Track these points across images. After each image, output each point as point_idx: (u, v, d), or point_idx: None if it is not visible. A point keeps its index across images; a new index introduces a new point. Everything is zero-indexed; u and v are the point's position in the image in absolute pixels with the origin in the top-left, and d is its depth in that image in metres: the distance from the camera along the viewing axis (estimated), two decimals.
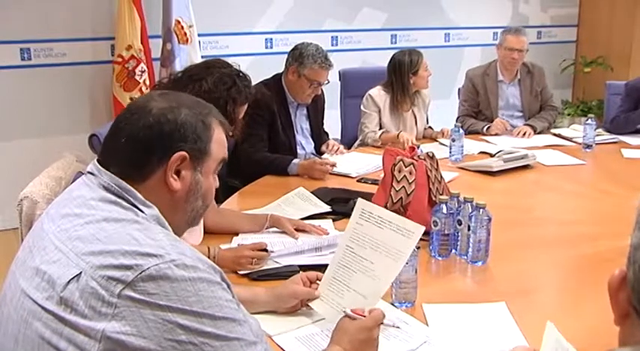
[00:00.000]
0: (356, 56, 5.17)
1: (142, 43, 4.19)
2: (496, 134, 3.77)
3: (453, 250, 1.98)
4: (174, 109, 1.13)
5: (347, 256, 1.50)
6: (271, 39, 4.92)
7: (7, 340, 1.03)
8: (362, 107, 3.63)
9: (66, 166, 1.95)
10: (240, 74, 2.06)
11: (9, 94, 4.18)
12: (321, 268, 1.65)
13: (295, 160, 2.96)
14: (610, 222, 2.34)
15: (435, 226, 1.95)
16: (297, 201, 2.47)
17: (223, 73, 2.02)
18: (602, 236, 2.15)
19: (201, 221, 2.07)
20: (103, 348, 0.93)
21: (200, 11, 4.40)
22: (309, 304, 1.55)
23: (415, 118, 3.69)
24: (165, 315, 0.94)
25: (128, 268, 0.96)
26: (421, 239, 1.46)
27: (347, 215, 2.30)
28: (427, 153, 2.25)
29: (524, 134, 3.74)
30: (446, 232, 1.95)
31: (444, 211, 1.95)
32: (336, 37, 5.16)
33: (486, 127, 3.82)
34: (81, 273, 0.97)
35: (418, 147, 2.42)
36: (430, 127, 3.80)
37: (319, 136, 3.39)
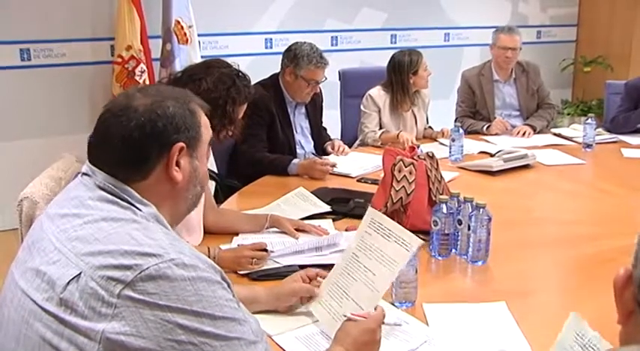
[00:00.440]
0: (356, 56, 5.17)
1: (141, 43, 4.18)
2: (496, 134, 3.77)
3: (453, 250, 1.98)
4: (161, 103, 1.13)
5: (352, 264, 1.51)
6: (271, 39, 4.92)
7: (8, 341, 1.03)
8: (362, 107, 3.63)
9: (66, 167, 1.96)
10: (240, 74, 2.07)
11: (9, 95, 4.18)
12: (321, 268, 1.66)
13: (295, 160, 2.96)
14: (610, 222, 2.34)
15: (435, 225, 1.96)
16: (297, 201, 2.47)
17: (223, 73, 2.03)
18: (602, 236, 2.15)
19: (201, 221, 2.08)
20: (102, 349, 0.93)
21: (200, 11, 4.39)
22: (310, 308, 1.55)
23: (415, 117, 3.69)
24: (165, 315, 0.94)
25: (127, 268, 0.96)
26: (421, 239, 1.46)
27: (347, 215, 2.33)
28: (427, 153, 2.25)
29: (524, 134, 3.74)
30: (446, 231, 1.95)
31: (444, 210, 1.95)
32: (336, 37, 5.16)
33: (486, 126, 3.82)
34: (80, 273, 0.97)
35: (418, 147, 2.42)
36: (430, 127, 3.80)
37: (319, 135, 3.39)
